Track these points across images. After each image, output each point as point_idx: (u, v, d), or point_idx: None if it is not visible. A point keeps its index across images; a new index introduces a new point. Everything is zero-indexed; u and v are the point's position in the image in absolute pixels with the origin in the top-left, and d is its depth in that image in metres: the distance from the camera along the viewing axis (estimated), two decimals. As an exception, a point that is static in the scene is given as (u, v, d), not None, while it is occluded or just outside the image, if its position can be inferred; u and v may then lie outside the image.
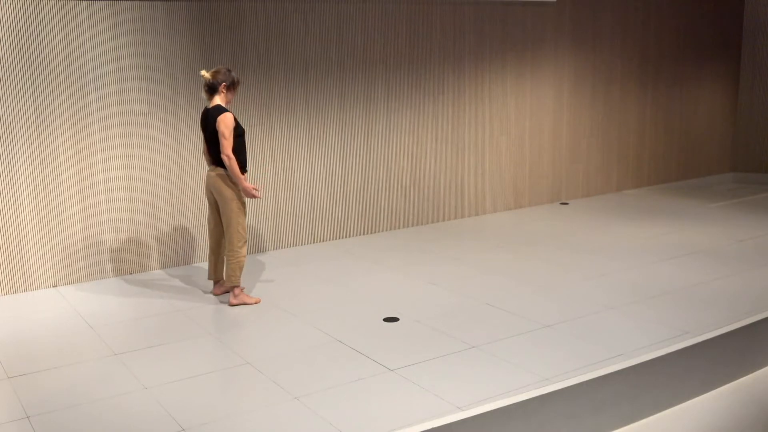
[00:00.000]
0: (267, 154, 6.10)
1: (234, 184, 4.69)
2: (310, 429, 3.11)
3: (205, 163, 5.03)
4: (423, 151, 7.04)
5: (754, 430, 3.58)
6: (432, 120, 7.05)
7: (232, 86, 4.74)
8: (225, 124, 4.59)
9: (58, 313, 4.76)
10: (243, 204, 4.76)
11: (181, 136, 5.74)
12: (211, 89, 4.70)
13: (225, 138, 4.58)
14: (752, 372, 4.17)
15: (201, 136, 5.80)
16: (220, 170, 4.70)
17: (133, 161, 5.57)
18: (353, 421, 3.16)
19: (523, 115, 7.71)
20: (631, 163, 8.80)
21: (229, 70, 4.74)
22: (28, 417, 3.29)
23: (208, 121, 4.69)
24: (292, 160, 6.27)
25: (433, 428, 3.02)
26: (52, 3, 5.12)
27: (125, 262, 5.64)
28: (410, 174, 7.00)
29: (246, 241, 4.77)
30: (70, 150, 5.32)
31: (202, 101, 5.77)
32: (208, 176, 4.80)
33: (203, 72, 4.73)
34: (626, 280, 5.18)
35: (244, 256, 4.77)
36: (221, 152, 4.60)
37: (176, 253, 5.84)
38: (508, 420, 3.20)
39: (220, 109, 4.65)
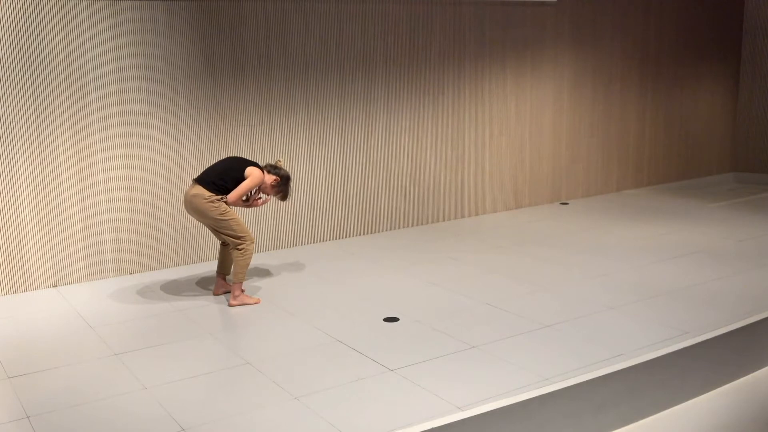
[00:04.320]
0: (267, 154, 6.09)
1: (210, 201, 4.63)
2: (310, 429, 3.11)
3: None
4: (423, 151, 7.04)
5: (754, 430, 3.58)
6: (432, 120, 7.05)
7: (275, 185, 4.86)
8: (256, 175, 4.70)
9: (58, 313, 4.76)
10: (227, 210, 4.68)
11: (181, 136, 5.74)
12: (269, 168, 4.88)
13: (248, 181, 4.66)
14: (752, 372, 4.17)
15: (202, 136, 5.82)
16: (199, 189, 4.65)
17: (133, 161, 5.57)
18: (353, 421, 3.16)
19: (523, 115, 7.71)
20: (631, 163, 8.80)
21: (288, 179, 4.90)
22: (28, 417, 3.29)
23: (237, 158, 4.86)
24: (292, 160, 6.27)
25: (433, 428, 3.02)
26: (52, 3, 5.12)
27: (125, 262, 5.64)
28: (410, 174, 7.00)
29: (250, 237, 4.73)
30: (70, 150, 5.32)
31: (202, 100, 5.79)
32: (185, 195, 4.74)
33: (280, 159, 5.13)
34: (626, 280, 5.18)
35: (251, 254, 4.76)
36: (233, 190, 4.65)
37: (176, 254, 5.84)
38: (508, 420, 3.20)
39: (259, 167, 4.80)
